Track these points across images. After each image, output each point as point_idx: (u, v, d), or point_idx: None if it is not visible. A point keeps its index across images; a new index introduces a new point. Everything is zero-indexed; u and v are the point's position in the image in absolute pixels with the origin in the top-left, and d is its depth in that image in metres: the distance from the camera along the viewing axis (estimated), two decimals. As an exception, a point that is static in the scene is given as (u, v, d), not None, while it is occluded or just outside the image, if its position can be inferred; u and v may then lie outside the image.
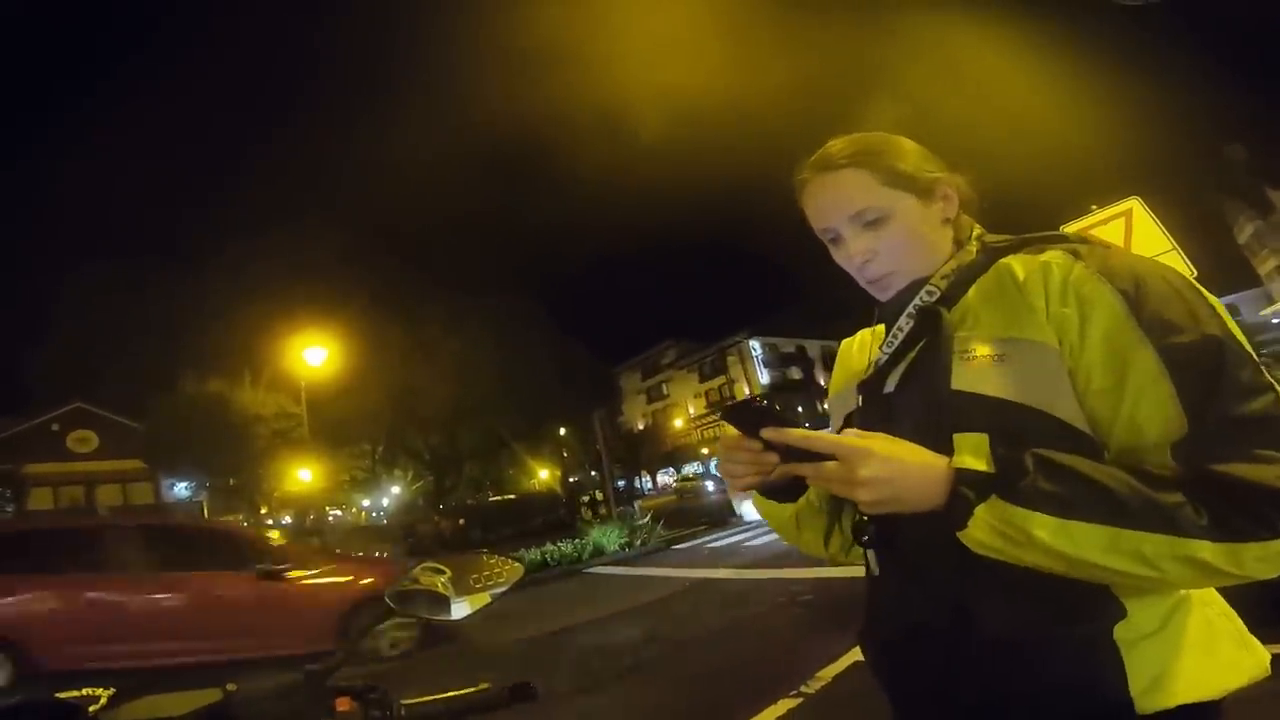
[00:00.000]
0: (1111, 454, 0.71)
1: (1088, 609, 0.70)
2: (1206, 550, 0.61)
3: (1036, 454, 0.68)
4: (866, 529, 0.84)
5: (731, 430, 0.81)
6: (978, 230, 0.90)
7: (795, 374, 42.07)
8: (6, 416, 24.33)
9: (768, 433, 0.75)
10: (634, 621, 6.37)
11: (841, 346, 1.08)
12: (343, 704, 0.82)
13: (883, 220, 0.85)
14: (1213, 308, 0.71)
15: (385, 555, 7.29)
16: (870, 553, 0.87)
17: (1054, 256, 0.78)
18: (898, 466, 0.70)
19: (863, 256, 0.87)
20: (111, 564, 5.61)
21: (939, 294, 0.85)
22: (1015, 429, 0.71)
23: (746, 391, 40.72)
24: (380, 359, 22.28)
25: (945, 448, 0.73)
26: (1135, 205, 3.92)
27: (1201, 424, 0.65)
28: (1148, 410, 0.68)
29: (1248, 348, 0.67)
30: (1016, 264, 0.80)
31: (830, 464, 0.71)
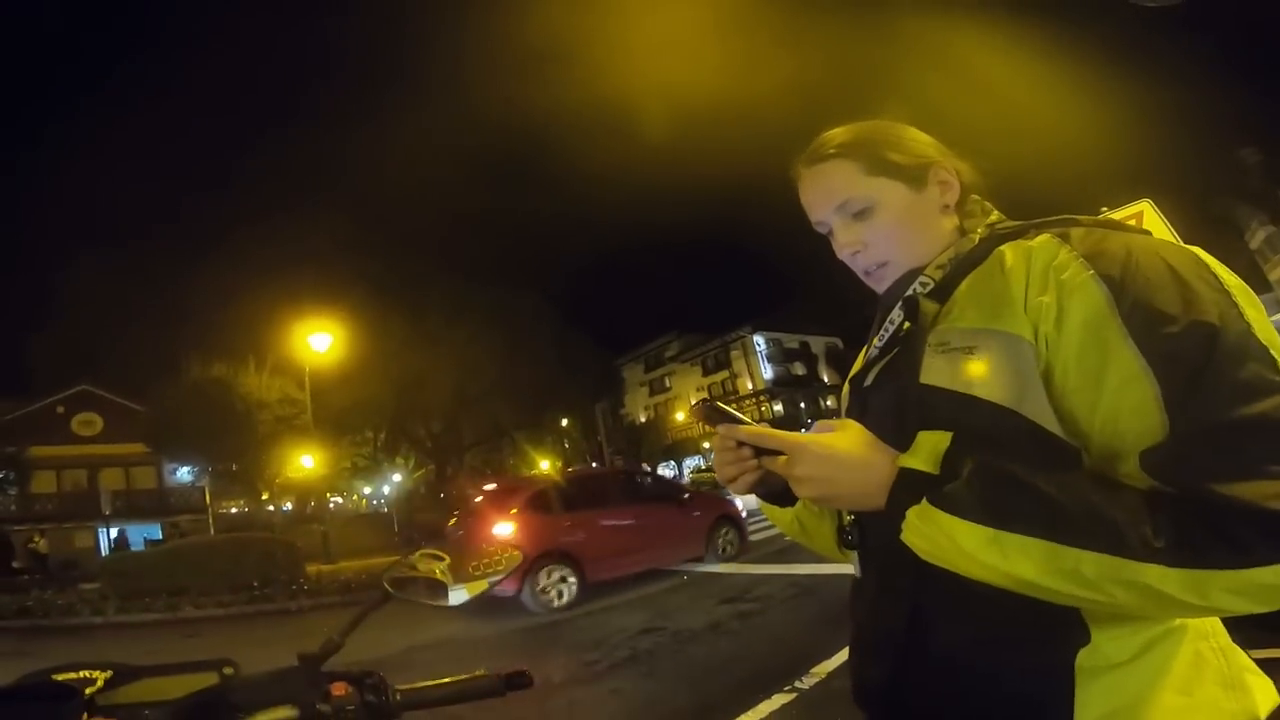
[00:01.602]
0: (1090, 460, 0.64)
1: (1047, 631, 0.64)
2: (1157, 575, 0.53)
3: (980, 458, 0.62)
4: (850, 530, 0.84)
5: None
6: (994, 216, 0.85)
7: (799, 369, 42.03)
8: (11, 398, 24.48)
9: (722, 428, 0.78)
10: (631, 613, 6.39)
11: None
12: (338, 689, 0.82)
13: (869, 210, 0.83)
14: (1224, 292, 0.61)
15: (716, 494, 10.09)
16: (855, 554, 0.86)
17: (1041, 240, 0.72)
18: (833, 463, 0.69)
19: (852, 248, 0.85)
20: (611, 501, 8.32)
21: (933, 284, 0.80)
22: (983, 428, 0.66)
23: (750, 386, 40.80)
24: (384, 346, 22.30)
25: (910, 444, 0.69)
26: (1146, 207, 3.89)
27: (1182, 430, 0.57)
28: (1127, 412, 0.60)
29: (1259, 338, 0.58)
30: (1009, 250, 0.75)
31: (780, 458, 0.71)
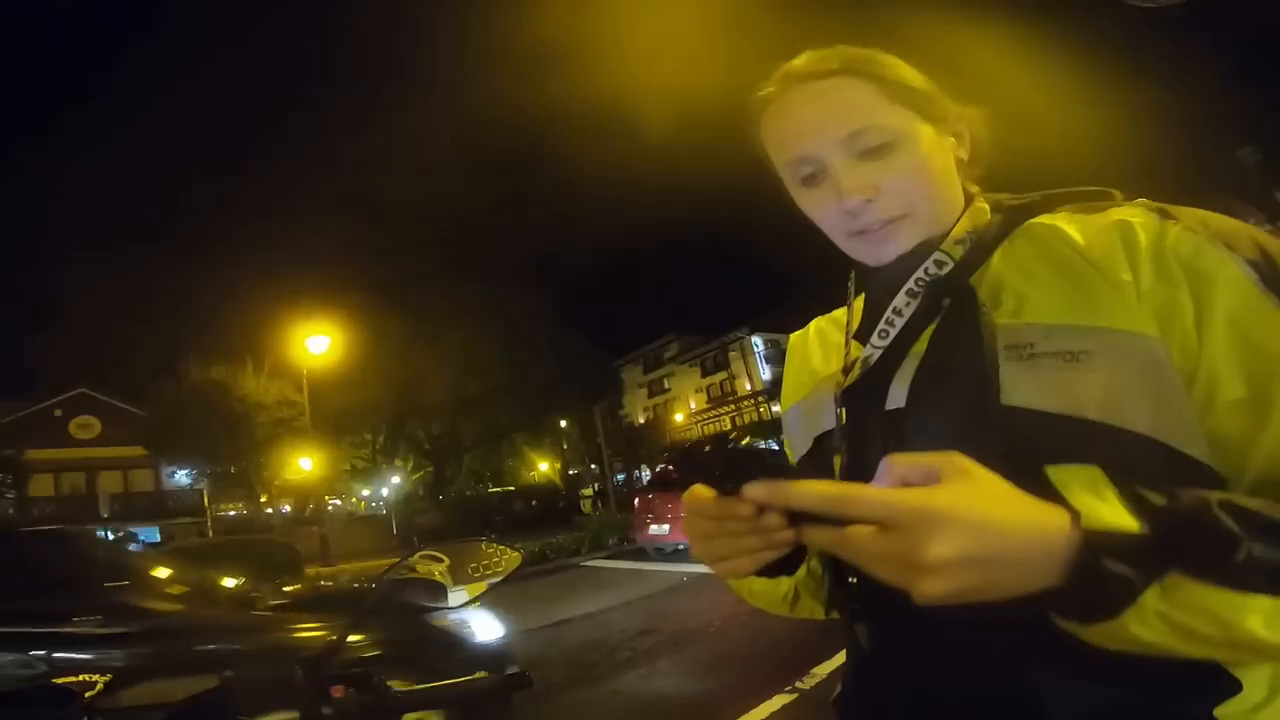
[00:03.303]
0: (1242, 489, 0.49)
1: (1187, 687, 0.49)
2: None
3: (1226, 501, 0.43)
4: (856, 598, 0.61)
5: (702, 491, 0.52)
6: (973, 187, 0.67)
7: (797, 371, 41.98)
8: (9, 401, 24.43)
9: (757, 491, 0.47)
10: (631, 615, 6.39)
11: (790, 343, 0.82)
12: (338, 691, 0.82)
13: (888, 148, 0.60)
14: None
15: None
16: (861, 626, 0.64)
17: (1134, 213, 0.55)
18: (996, 540, 0.42)
19: (861, 194, 0.60)
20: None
21: (952, 265, 0.61)
22: (1113, 462, 0.48)
23: (748, 387, 40.74)
24: (383, 348, 22.31)
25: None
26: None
27: None
28: None
29: None
30: (1067, 225, 0.57)
31: (871, 535, 0.43)
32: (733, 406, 40.58)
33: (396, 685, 0.85)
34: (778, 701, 3.49)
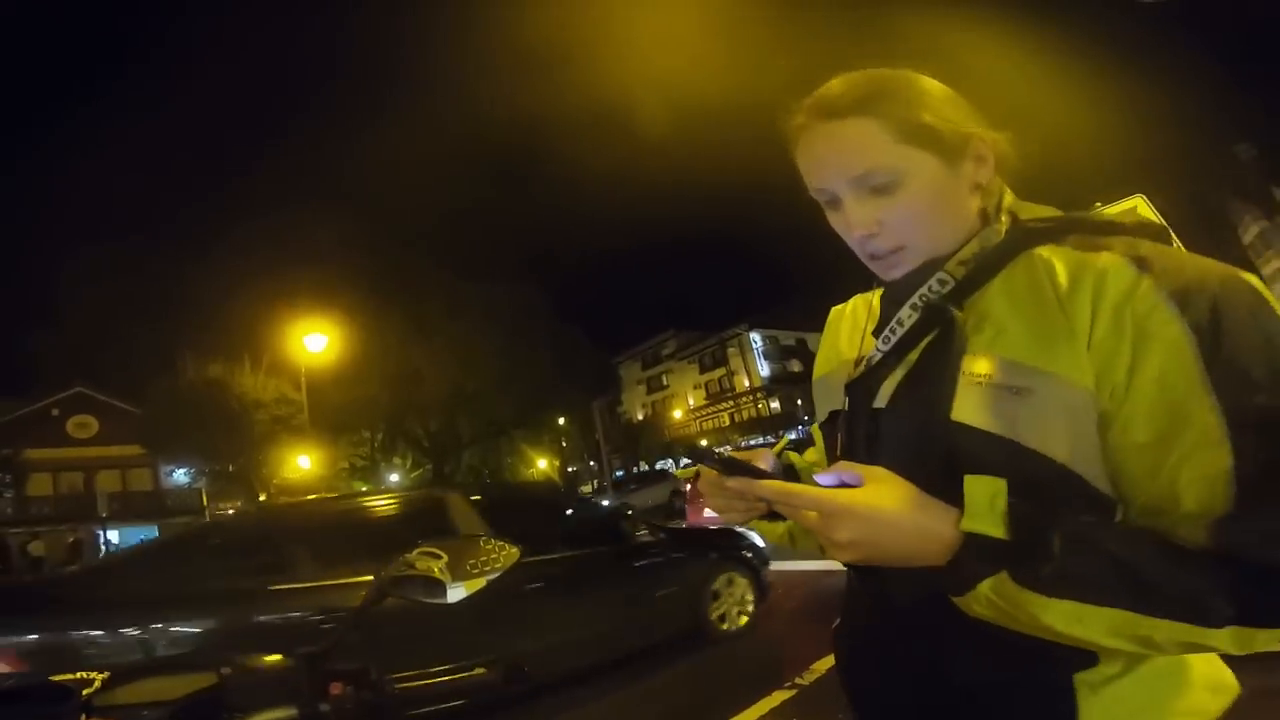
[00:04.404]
0: (1129, 514, 0.60)
1: (1059, 658, 0.62)
2: (1218, 637, 0.53)
3: (1062, 525, 0.55)
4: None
5: (710, 475, 0.76)
6: (1009, 199, 0.74)
7: (796, 367, 42.07)
8: (7, 400, 24.38)
9: (734, 484, 0.67)
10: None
11: (831, 315, 0.94)
12: (337, 687, 0.82)
13: (894, 185, 0.68)
14: None
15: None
16: (851, 571, 0.83)
17: (1112, 263, 0.62)
18: (881, 528, 0.58)
19: (865, 229, 0.70)
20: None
21: (952, 284, 0.70)
22: (1026, 478, 0.59)
23: (746, 384, 40.82)
24: (381, 345, 22.30)
25: (936, 485, 0.60)
26: (1140, 203, 3.90)
27: (1254, 504, 0.53)
28: (1191, 477, 0.56)
29: None
30: (1059, 261, 0.65)
31: (810, 515, 0.61)
32: (731, 403, 40.63)
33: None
34: (777, 697, 3.50)
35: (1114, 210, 4.23)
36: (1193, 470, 0.56)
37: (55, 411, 26.19)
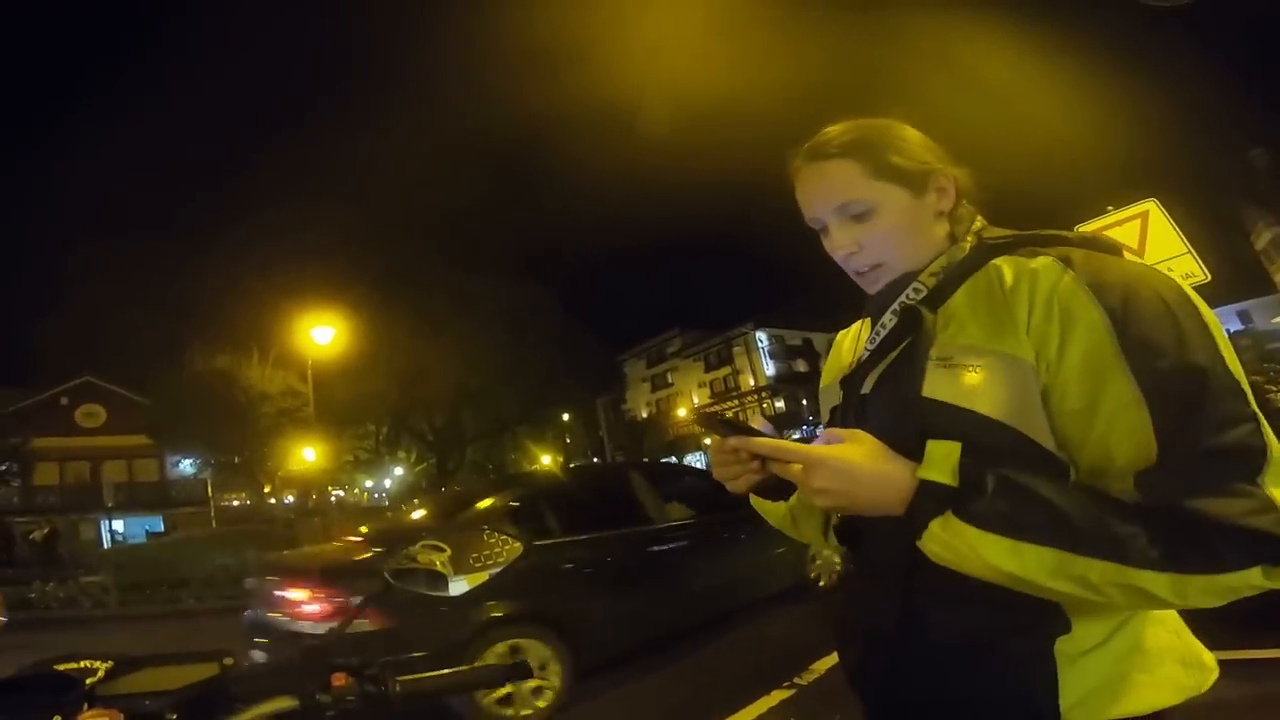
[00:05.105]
0: (1079, 475, 0.70)
1: (1033, 621, 0.71)
2: (1149, 580, 0.61)
3: (999, 473, 0.66)
4: (842, 526, 0.88)
5: (716, 440, 0.85)
6: (979, 224, 0.88)
7: (801, 366, 41.99)
8: (15, 389, 24.55)
9: (734, 441, 0.79)
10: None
11: (837, 338, 1.09)
12: (338, 679, 0.82)
13: (868, 214, 0.84)
14: (1206, 330, 0.68)
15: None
16: (845, 550, 0.90)
17: (1044, 264, 0.75)
18: (851, 477, 0.70)
19: (846, 249, 0.86)
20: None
21: (925, 292, 0.84)
22: (985, 443, 0.70)
23: (751, 383, 40.76)
24: (387, 339, 22.30)
25: (913, 453, 0.71)
26: (1152, 207, 3.87)
27: (1171, 455, 0.64)
28: (1119, 436, 0.67)
29: (1237, 374, 0.65)
30: (1007, 267, 0.78)
31: (795, 468, 0.73)
32: (736, 402, 40.53)
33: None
34: (776, 697, 3.50)
35: (1124, 214, 4.18)
36: (1119, 431, 0.67)
37: (64, 400, 26.38)
